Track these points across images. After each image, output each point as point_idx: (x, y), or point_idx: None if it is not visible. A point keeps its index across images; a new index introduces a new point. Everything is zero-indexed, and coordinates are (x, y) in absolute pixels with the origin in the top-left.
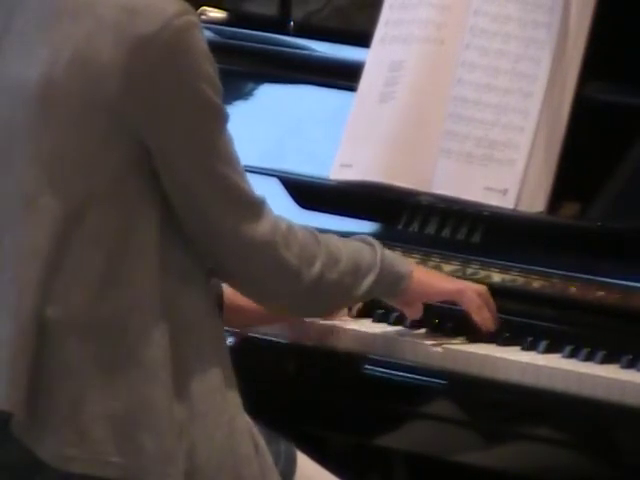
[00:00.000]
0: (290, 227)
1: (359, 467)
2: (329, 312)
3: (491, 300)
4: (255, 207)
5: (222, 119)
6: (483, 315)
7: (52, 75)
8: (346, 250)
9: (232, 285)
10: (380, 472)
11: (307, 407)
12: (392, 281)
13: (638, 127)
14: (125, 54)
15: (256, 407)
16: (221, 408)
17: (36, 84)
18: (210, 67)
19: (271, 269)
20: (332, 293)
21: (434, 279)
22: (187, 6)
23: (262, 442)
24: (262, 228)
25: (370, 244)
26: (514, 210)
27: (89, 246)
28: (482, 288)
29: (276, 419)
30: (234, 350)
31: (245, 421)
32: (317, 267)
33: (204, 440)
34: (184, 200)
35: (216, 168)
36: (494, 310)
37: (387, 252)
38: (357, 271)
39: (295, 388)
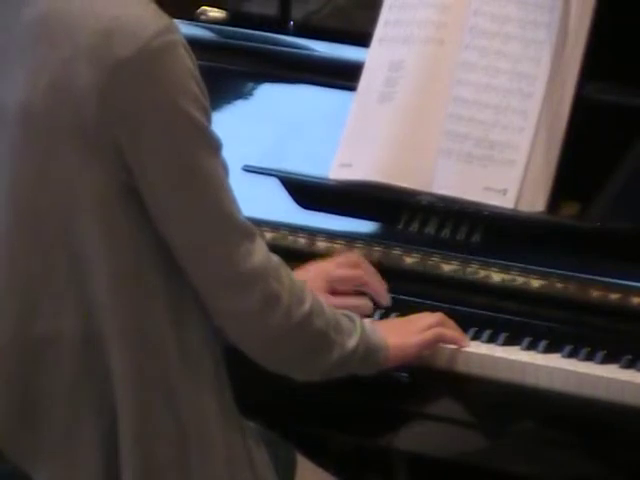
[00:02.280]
0: (281, 261)
1: (359, 467)
2: (307, 370)
3: (449, 322)
4: (247, 236)
5: (209, 140)
6: (456, 343)
7: (31, 101)
8: (327, 305)
9: (219, 323)
10: (380, 472)
11: (307, 407)
12: (372, 350)
13: (638, 127)
14: (102, 79)
15: (256, 408)
16: (217, 435)
17: (16, 110)
18: (194, 84)
19: (262, 302)
20: (316, 343)
21: (402, 339)
22: (166, 23)
23: (259, 460)
24: (254, 258)
25: (346, 314)
26: (514, 210)
27: (74, 269)
28: (437, 318)
29: (276, 420)
30: (233, 350)
31: (243, 446)
32: (307, 306)
33: (198, 472)
34: (171, 226)
35: (202, 191)
36: (455, 328)
37: (364, 321)
38: (340, 329)
39: (295, 388)
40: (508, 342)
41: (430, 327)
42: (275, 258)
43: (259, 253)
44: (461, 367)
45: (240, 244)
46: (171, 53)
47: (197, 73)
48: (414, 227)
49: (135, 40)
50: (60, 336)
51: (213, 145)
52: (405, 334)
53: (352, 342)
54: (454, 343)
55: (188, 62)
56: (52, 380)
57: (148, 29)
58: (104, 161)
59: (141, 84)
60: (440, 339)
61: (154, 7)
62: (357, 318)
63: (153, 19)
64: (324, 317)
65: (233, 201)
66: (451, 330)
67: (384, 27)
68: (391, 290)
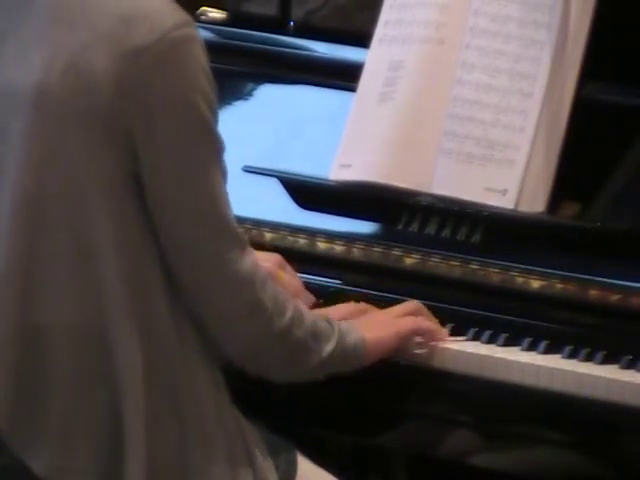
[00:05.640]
0: (268, 275)
1: (359, 467)
2: (285, 375)
3: (425, 311)
4: (238, 243)
5: (214, 140)
6: (432, 334)
7: (46, 84)
8: (307, 312)
9: (205, 324)
10: (380, 472)
11: (307, 407)
12: (350, 350)
13: (638, 127)
14: (119, 65)
15: (256, 408)
16: (218, 436)
17: (31, 92)
18: (206, 83)
19: (246, 308)
20: (295, 352)
21: (378, 332)
22: (186, 18)
23: (260, 460)
24: (245, 264)
25: (323, 317)
26: (514, 210)
27: (76, 256)
28: (412, 305)
29: (276, 420)
30: None
31: (244, 446)
32: (287, 318)
33: (198, 469)
34: (167, 220)
35: (200, 187)
36: (431, 318)
37: (341, 323)
38: (318, 336)
39: (295, 388)
40: (508, 343)
41: (405, 314)
42: (262, 271)
43: (248, 261)
44: (461, 368)
45: (231, 248)
46: (188, 47)
47: (210, 72)
48: (414, 227)
49: (155, 29)
50: (61, 324)
51: (216, 146)
52: (381, 327)
53: (329, 347)
54: (430, 335)
55: (203, 59)
56: (53, 368)
57: (168, 20)
58: (115, 147)
59: (156, 73)
60: (416, 328)
61: (173, 1)
62: (334, 321)
63: (174, 12)
64: (303, 327)
65: (228, 205)
66: (427, 322)
67: (384, 27)
68: (391, 291)
